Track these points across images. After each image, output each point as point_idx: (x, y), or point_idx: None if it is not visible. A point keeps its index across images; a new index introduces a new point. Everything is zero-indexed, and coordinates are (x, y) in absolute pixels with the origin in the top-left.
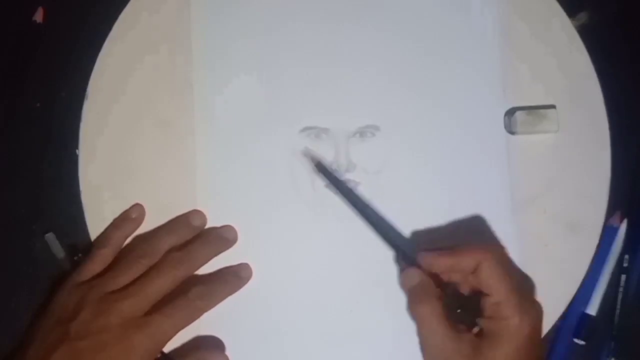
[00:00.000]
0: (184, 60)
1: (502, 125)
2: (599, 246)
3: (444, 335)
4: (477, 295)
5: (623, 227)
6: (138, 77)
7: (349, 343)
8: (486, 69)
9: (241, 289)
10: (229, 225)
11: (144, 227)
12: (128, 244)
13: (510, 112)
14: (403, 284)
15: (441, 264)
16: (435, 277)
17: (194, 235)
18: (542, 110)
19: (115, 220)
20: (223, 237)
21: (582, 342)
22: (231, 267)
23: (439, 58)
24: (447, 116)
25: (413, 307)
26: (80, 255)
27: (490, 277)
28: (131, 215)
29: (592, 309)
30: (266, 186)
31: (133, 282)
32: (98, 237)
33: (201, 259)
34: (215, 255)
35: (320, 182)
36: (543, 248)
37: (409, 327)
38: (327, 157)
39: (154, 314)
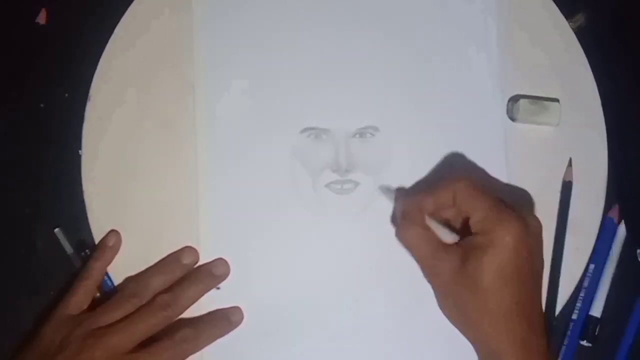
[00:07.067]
0: (185, 62)
1: (502, 129)
2: (596, 245)
3: (433, 249)
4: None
5: (622, 226)
6: (140, 78)
7: (348, 341)
8: (485, 71)
9: (241, 287)
10: (221, 259)
11: (147, 227)
12: (120, 283)
13: (514, 99)
14: (394, 217)
15: (422, 202)
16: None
17: (185, 273)
18: (545, 102)
19: (94, 251)
20: (213, 275)
21: (589, 344)
22: (222, 310)
23: (438, 60)
24: (446, 117)
25: (402, 233)
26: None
27: (467, 199)
28: (108, 244)
29: (597, 311)
30: (267, 186)
31: (121, 320)
32: (80, 271)
33: (190, 300)
34: (206, 292)
35: (320, 182)
36: None
37: (408, 325)
38: (327, 157)
39: (139, 352)
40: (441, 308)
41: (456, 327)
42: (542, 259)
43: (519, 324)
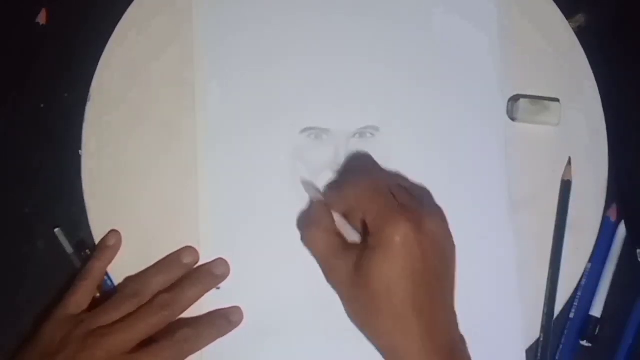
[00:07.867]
0: (185, 61)
1: (502, 129)
2: (596, 244)
3: (332, 250)
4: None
5: (622, 226)
6: (140, 78)
7: (349, 341)
8: (485, 71)
9: (241, 287)
10: (221, 259)
11: (147, 227)
12: (120, 283)
13: (515, 99)
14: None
15: (330, 201)
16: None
17: (185, 272)
18: (545, 102)
19: (94, 251)
20: (213, 274)
21: (589, 344)
22: (222, 310)
23: (438, 60)
24: (446, 117)
25: (304, 236)
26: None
27: (364, 200)
28: (108, 243)
29: (597, 311)
30: (267, 186)
31: (122, 320)
32: (80, 271)
33: (191, 299)
34: (206, 292)
35: (320, 182)
36: (540, 246)
37: None
38: (328, 157)
39: (139, 352)
40: (347, 313)
41: (361, 331)
42: (447, 256)
43: (415, 323)
